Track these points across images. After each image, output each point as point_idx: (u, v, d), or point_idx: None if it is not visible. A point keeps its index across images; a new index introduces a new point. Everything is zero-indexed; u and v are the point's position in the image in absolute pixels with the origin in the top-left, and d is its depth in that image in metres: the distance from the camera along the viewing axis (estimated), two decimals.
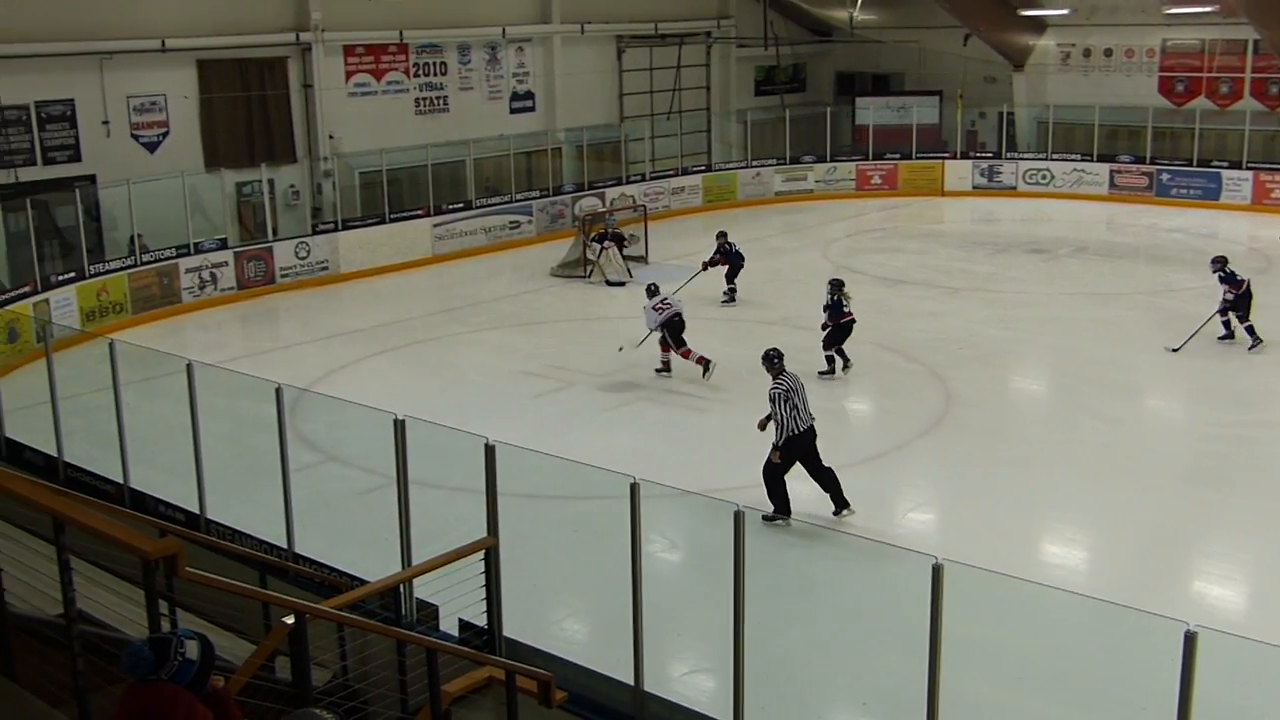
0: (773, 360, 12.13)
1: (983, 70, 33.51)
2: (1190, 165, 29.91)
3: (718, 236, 21.81)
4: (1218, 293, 18.00)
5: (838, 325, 17.03)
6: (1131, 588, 10.30)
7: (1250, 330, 17.95)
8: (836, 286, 17.24)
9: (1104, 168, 30.80)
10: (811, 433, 11.80)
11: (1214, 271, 18.16)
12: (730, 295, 21.46)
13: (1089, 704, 8.78)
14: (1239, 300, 18.00)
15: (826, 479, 11.84)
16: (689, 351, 17.01)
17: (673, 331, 17.05)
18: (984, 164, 32.13)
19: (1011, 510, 12.52)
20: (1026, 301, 21.13)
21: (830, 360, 17.07)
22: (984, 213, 30.25)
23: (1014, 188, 31.57)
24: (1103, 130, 31.08)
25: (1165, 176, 30.03)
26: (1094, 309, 20.57)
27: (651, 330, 17.25)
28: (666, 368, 17.21)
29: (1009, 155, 32.06)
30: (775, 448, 11.74)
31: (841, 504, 11.79)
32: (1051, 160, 31.47)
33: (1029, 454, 14.13)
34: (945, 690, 6.47)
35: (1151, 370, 17.57)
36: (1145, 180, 30.22)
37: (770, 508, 11.60)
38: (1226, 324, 18.21)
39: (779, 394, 11.74)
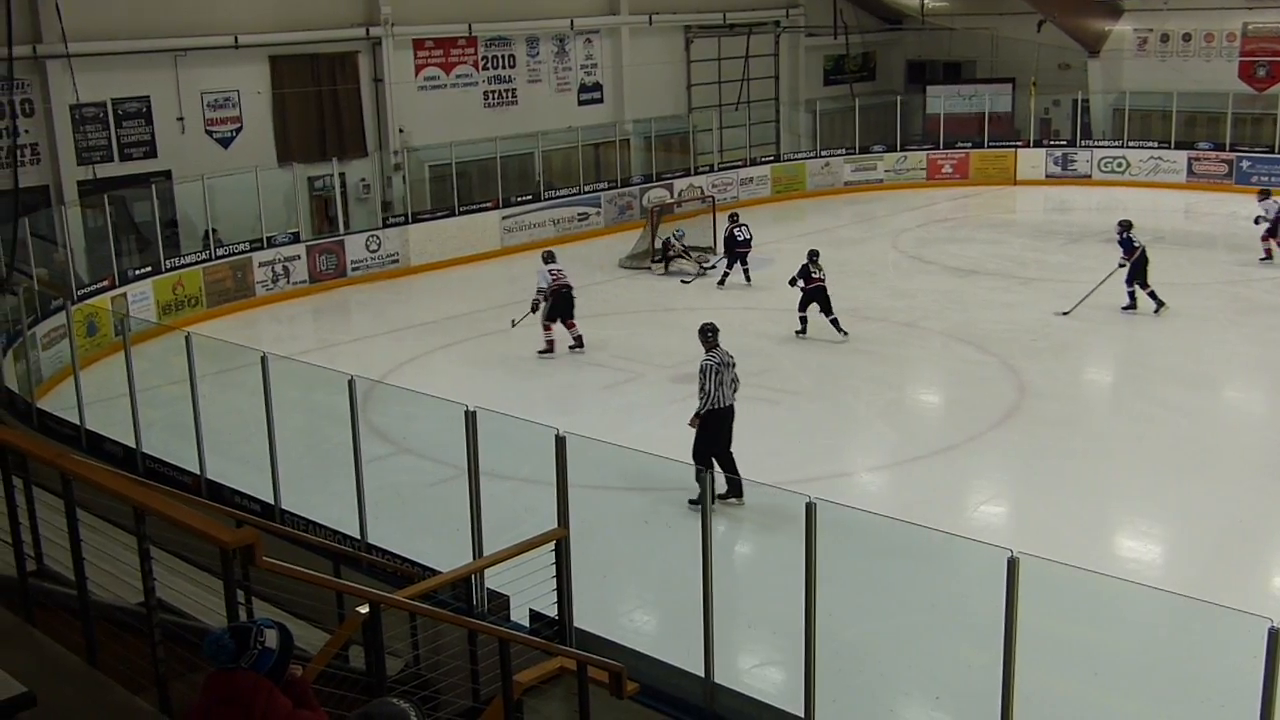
0: (707, 334, 12.50)
1: (1057, 57, 32.98)
2: (1271, 152, 29.23)
3: (729, 219, 22.44)
4: None
5: (806, 291, 18.27)
6: (1209, 583, 10.10)
7: (1152, 295, 18.83)
8: (811, 256, 18.52)
9: (1182, 155, 30.19)
10: (731, 412, 12.18)
11: (1117, 234, 19.23)
12: (723, 279, 22.02)
13: (1167, 701, 8.63)
14: (1133, 267, 18.83)
15: (729, 463, 12.11)
16: (574, 324, 17.97)
17: (562, 302, 17.83)
18: (1058, 152, 31.64)
19: (1085, 503, 12.33)
20: (1101, 291, 20.75)
21: (804, 321, 18.39)
22: (1057, 202, 29.80)
23: (1088, 176, 31.06)
24: (1181, 117, 30.47)
25: (1245, 164, 29.38)
26: (1170, 299, 20.17)
27: (540, 295, 17.85)
28: (550, 348, 17.89)
29: (1083, 143, 31.54)
30: (696, 415, 12.18)
31: (735, 493, 11.99)
32: (1127, 148, 30.91)
33: (1103, 446, 13.91)
34: (1020, 685, 6.39)
35: (1228, 361, 17.24)
36: (1224, 168, 29.60)
37: (730, 494, 12.02)
38: (1131, 295, 19.00)
39: (709, 366, 12.10)
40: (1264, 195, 22.97)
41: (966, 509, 12.44)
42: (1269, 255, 22.47)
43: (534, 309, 18.05)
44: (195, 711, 4.75)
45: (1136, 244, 18.91)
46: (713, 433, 12.11)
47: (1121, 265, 19.06)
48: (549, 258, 18.60)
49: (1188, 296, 20.29)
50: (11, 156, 20.55)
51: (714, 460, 11.99)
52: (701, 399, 12.13)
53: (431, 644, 7.96)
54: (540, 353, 17.97)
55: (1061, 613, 8.52)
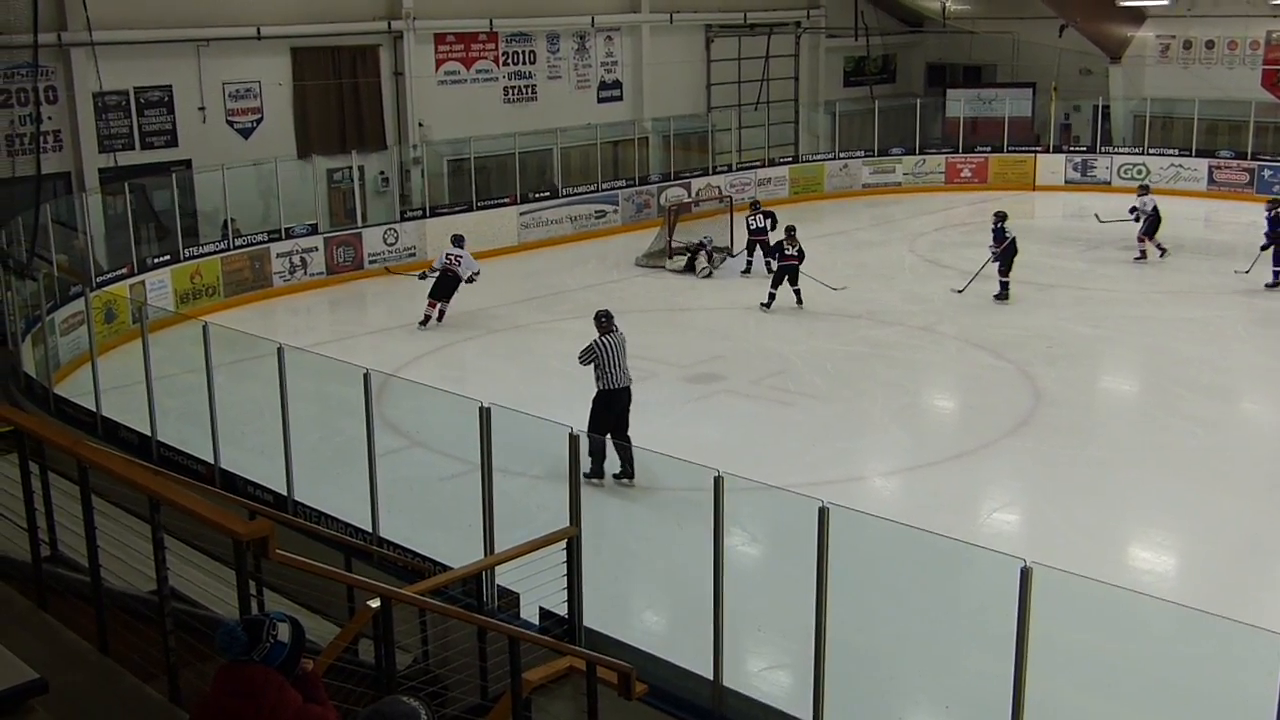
0: (600, 320, 13.21)
1: (1078, 62, 32.85)
2: None
3: (750, 207, 23.50)
4: None
5: (780, 266, 19.90)
6: (1224, 596, 10.06)
7: (1004, 285, 20.11)
8: (788, 232, 20.17)
9: (1203, 163, 30.05)
10: (626, 394, 12.91)
11: (992, 223, 20.59)
12: (747, 267, 22.82)
13: (1179, 715, 8.59)
14: (1000, 256, 20.08)
15: (624, 443, 12.66)
16: (445, 307, 19.34)
17: (444, 283, 19.19)
18: (1077, 158, 31.51)
19: (1099, 512, 12.28)
20: (1118, 299, 20.71)
21: (771, 297, 19.87)
22: (1076, 208, 29.64)
23: (1108, 183, 30.92)
24: (1202, 124, 30.30)
25: (1267, 173, 29.21)
26: (1188, 308, 20.11)
27: (434, 270, 19.52)
28: (425, 322, 19.28)
29: (1103, 149, 31.42)
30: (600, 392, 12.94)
31: (628, 474, 12.59)
32: (1148, 155, 30.74)
33: (1118, 455, 13.85)
34: (1031, 695, 6.37)
35: (1246, 372, 17.15)
36: (1246, 176, 29.45)
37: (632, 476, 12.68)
38: (1003, 284, 20.19)
39: (593, 347, 12.91)
40: (1144, 190, 23.92)
41: (980, 516, 12.41)
42: (1143, 255, 23.09)
43: (421, 276, 19.70)
44: (205, 703, 4.76)
45: (1007, 235, 20.12)
46: (604, 411, 12.76)
47: (992, 251, 20.32)
48: (457, 241, 19.87)
49: (1206, 306, 20.21)
50: (35, 143, 20.63)
51: (609, 438, 12.57)
52: (586, 362, 12.95)
53: (441, 640, 7.97)
54: (419, 324, 19.34)
55: (1074, 623, 8.49)
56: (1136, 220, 23.38)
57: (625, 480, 12.61)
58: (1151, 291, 21.21)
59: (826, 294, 20.59)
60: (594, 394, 12.91)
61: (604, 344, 12.91)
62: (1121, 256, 23.83)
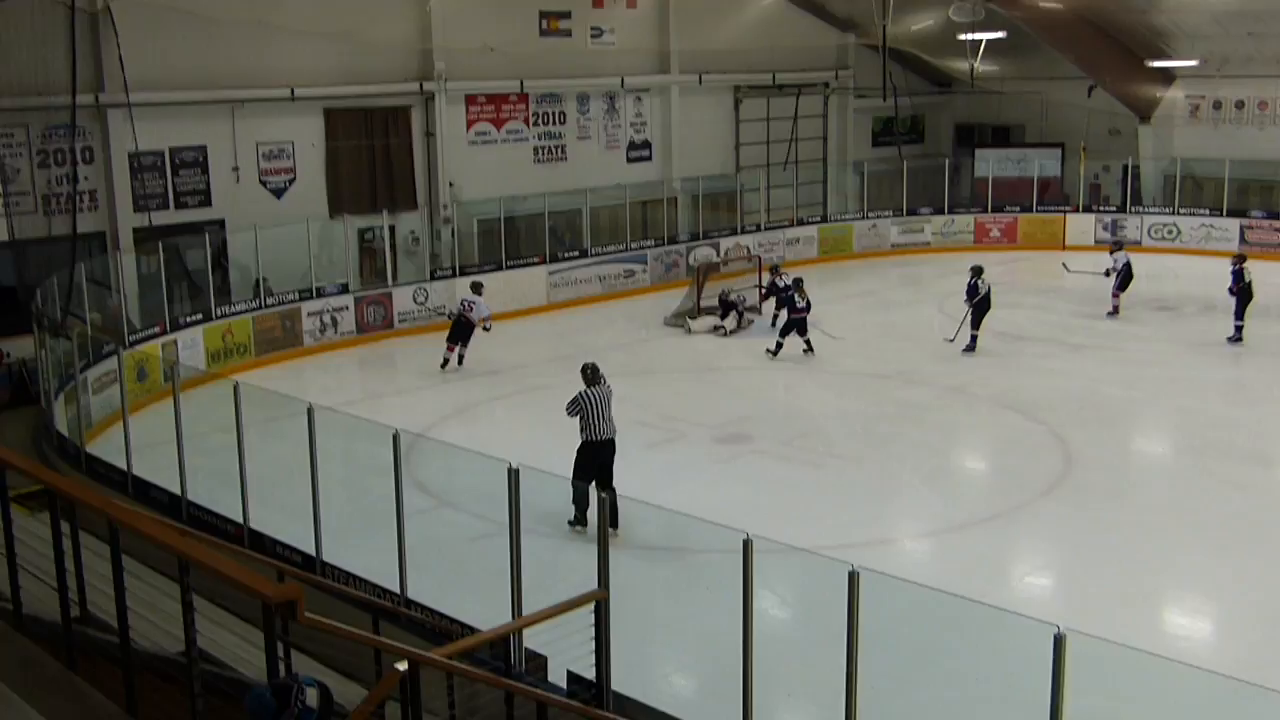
0: (585, 373, 13.40)
1: (1107, 122, 32.87)
2: None
3: (770, 270, 23.75)
4: None
5: (789, 319, 20.61)
6: (1260, 664, 9.88)
7: (973, 338, 20.63)
8: (796, 284, 20.74)
9: (1234, 223, 29.91)
10: (611, 446, 13.04)
11: (969, 278, 20.93)
12: (775, 320, 22.17)
13: None
14: (975, 308, 20.55)
15: (609, 493, 12.59)
16: (465, 351, 20.37)
17: (459, 328, 20.28)
18: (1107, 218, 31.43)
19: (1134, 578, 12.12)
20: (1151, 360, 20.57)
21: (779, 346, 20.64)
22: (1107, 268, 29.56)
23: (1138, 243, 30.72)
24: (1233, 184, 30.21)
25: None
26: (1222, 369, 19.94)
27: (454, 314, 20.76)
28: (444, 364, 20.32)
29: (1133, 209, 31.34)
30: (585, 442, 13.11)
31: (612, 524, 12.30)
32: (1178, 215, 30.69)
33: (1153, 519, 13.69)
34: None
35: None
36: (1278, 236, 29.29)
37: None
38: (973, 338, 20.68)
39: (578, 399, 13.05)
40: (1117, 246, 24.45)
41: (1012, 580, 12.28)
42: (1116, 311, 23.47)
43: (448, 315, 21.31)
44: None
45: (980, 289, 20.54)
46: (589, 462, 12.91)
47: (966, 304, 20.70)
48: (475, 288, 20.81)
49: (1239, 367, 20.05)
50: (71, 202, 20.92)
51: (593, 487, 12.58)
52: (573, 414, 13.03)
53: (468, 704, 7.90)
54: (441, 366, 20.38)
55: (1109, 690, 8.36)
56: (1107, 275, 23.62)
57: (610, 531, 12.47)
58: (1184, 352, 21.04)
59: (856, 355, 20.59)
60: (578, 445, 13.01)
61: (589, 396, 13.02)
62: (1155, 317, 23.72)
